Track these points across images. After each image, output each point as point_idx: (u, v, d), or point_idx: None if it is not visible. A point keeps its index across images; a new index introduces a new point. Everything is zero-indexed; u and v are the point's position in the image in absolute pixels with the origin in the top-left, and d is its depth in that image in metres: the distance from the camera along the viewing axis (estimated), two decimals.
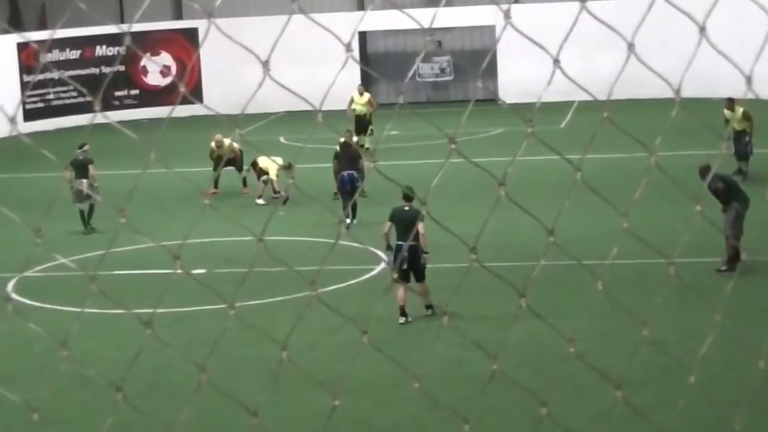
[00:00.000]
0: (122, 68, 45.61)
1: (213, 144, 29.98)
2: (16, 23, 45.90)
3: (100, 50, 45.01)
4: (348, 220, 25.08)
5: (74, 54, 44.57)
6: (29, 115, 42.99)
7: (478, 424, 11.58)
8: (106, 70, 44.49)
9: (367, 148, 33.95)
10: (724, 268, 20.43)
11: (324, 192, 26.80)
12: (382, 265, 21.50)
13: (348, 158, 25.81)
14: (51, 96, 44.05)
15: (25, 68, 43.33)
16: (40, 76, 43.33)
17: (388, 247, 18.96)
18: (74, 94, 43.45)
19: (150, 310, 15.51)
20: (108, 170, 30.54)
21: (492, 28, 44.68)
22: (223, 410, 13.77)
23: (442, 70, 46.87)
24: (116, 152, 31.69)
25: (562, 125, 38.68)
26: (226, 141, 29.62)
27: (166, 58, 45.76)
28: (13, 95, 40.84)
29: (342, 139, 26.35)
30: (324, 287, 19.54)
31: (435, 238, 18.11)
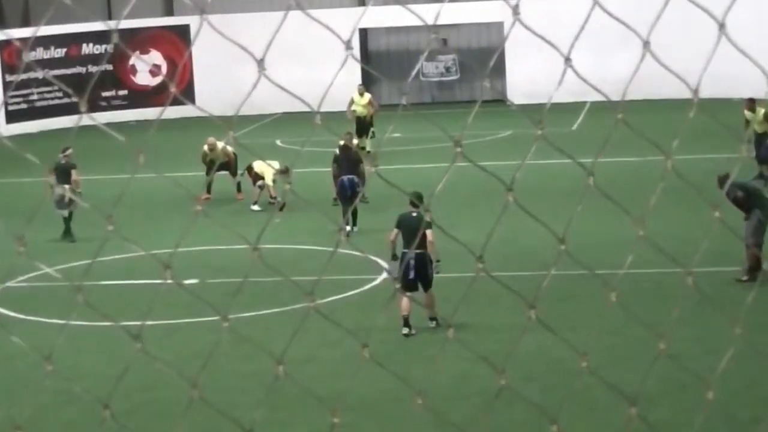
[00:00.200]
0: (110, 67, 45.65)
1: (205, 147, 29.98)
2: None
3: (87, 48, 45.04)
4: (348, 228, 25.07)
5: (59, 52, 44.60)
6: (11, 117, 43.04)
7: None
8: (92, 69, 44.54)
9: (369, 151, 33.97)
10: (744, 278, 20.41)
11: (323, 198, 26.80)
12: (384, 275, 21.48)
13: (348, 162, 25.79)
14: (35, 96, 44.10)
15: (8, 67, 43.41)
16: (23, 76, 43.35)
17: (394, 257, 18.76)
18: (59, 94, 43.49)
19: (139, 323, 15.51)
20: (95, 175, 30.58)
21: (500, 24, 44.74)
22: (217, 428, 13.73)
23: (448, 69, 46.91)
24: (103, 156, 31.76)
25: (574, 127, 38.71)
26: (219, 144, 29.62)
27: (156, 56, 45.78)
28: None
29: (342, 142, 26.35)
30: (322, 298, 19.53)
31: (440, 246, 18.12)
